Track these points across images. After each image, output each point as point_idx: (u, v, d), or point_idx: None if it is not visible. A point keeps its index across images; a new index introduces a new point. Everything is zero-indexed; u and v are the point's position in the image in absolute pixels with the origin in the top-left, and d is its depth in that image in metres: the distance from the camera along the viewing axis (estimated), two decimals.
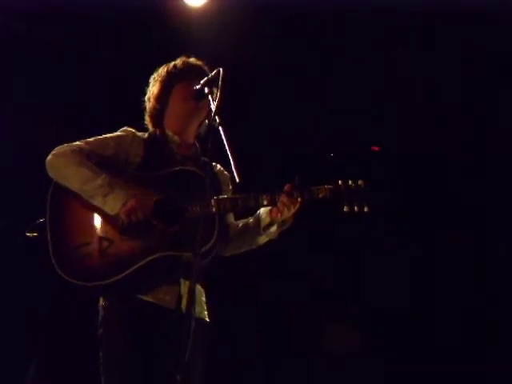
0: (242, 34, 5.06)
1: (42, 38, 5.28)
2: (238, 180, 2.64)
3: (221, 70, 2.84)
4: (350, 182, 3.04)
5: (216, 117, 2.73)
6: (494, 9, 4.62)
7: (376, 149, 3.22)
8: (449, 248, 5.59)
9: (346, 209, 3.02)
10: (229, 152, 2.68)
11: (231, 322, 5.14)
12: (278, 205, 2.96)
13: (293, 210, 2.98)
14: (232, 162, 2.65)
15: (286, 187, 2.98)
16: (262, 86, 5.41)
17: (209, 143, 2.67)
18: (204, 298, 3.11)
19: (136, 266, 2.86)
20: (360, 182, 3.04)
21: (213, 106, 2.83)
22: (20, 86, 5.26)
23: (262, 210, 3.10)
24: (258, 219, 3.11)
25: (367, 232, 5.42)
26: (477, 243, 5.54)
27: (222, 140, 2.69)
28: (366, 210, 3.00)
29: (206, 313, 3.09)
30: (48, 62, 5.31)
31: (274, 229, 3.08)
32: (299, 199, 2.98)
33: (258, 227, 3.11)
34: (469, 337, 5.37)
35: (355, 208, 3.01)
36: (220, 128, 2.71)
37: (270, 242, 3.19)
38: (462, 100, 5.39)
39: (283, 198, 2.95)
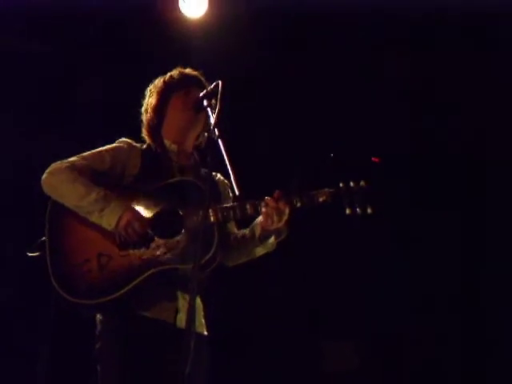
0: (241, 46, 5.05)
1: (44, 52, 5.27)
2: (237, 193, 2.62)
3: (220, 82, 2.83)
4: (351, 183, 2.96)
5: (215, 129, 2.71)
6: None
7: (376, 160, 3.17)
8: (452, 252, 5.55)
9: (348, 211, 2.93)
10: (228, 164, 2.67)
11: (228, 335, 5.11)
12: (267, 209, 2.89)
13: (283, 218, 2.92)
14: (231, 175, 2.63)
15: (276, 193, 2.91)
16: (261, 96, 5.40)
17: (208, 156, 2.65)
18: (202, 312, 3.09)
19: (135, 282, 2.84)
20: (362, 182, 2.95)
21: (212, 119, 2.81)
22: (18, 99, 5.26)
23: (258, 220, 3.05)
24: (253, 229, 3.07)
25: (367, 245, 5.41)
26: (478, 246, 5.50)
27: (222, 152, 2.68)
28: (369, 211, 2.92)
29: (203, 327, 3.07)
30: (47, 75, 5.31)
31: (271, 240, 3.03)
32: (299, 204, 2.93)
33: (253, 237, 3.07)
34: (468, 355, 5.32)
35: (357, 210, 2.92)
36: (219, 140, 2.69)
37: (267, 253, 3.14)
38: (461, 100, 5.37)
39: (269, 201, 2.89)
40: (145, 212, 2.94)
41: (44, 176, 3.02)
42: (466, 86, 5.22)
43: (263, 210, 2.90)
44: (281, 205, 2.89)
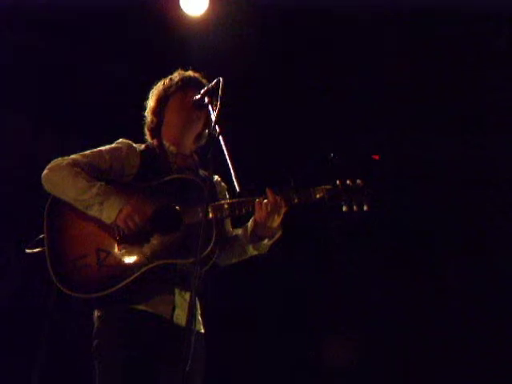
0: (241, 43, 5.06)
1: (46, 49, 5.28)
2: (238, 189, 2.63)
3: (221, 79, 2.85)
4: (348, 181, 2.99)
5: (216, 126, 2.73)
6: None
7: (377, 157, 3.18)
8: (453, 255, 5.57)
9: (344, 209, 2.96)
10: (229, 161, 2.69)
11: (226, 333, 5.12)
12: (262, 203, 2.91)
13: (278, 215, 2.93)
14: (232, 171, 2.65)
15: (268, 190, 2.93)
16: (262, 94, 5.41)
17: (209, 152, 2.67)
18: (199, 310, 3.10)
19: (133, 277, 2.86)
20: (359, 181, 3.00)
21: (213, 116, 2.83)
22: (20, 95, 5.27)
23: (251, 219, 3.06)
24: (246, 227, 3.09)
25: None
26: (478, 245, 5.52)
27: (222, 149, 2.69)
28: (365, 209, 2.95)
29: (201, 325, 3.09)
30: (51, 75, 5.32)
31: (264, 242, 3.05)
32: (296, 201, 2.95)
33: (246, 235, 3.09)
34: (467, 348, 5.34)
35: (354, 208, 2.96)
36: (220, 137, 2.71)
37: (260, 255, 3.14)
38: (461, 100, 5.38)
39: (268, 195, 2.90)
40: (144, 208, 2.95)
41: (44, 172, 3.04)
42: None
43: (260, 202, 2.91)
44: (278, 198, 2.91)
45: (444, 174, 5.54)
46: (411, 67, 5.24)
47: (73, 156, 3.07)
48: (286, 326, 5.59)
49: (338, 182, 2.99)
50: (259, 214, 2.93)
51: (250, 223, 3.06)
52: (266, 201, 2.92)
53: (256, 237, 3.04)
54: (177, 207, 2.96)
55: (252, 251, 3.12)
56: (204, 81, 3.25)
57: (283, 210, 2.94)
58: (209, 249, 2.87)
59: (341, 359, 5.45)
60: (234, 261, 3.21)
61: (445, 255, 5.58)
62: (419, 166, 5.56)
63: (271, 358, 5.48)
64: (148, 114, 3.31)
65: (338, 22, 5.03)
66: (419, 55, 5.23)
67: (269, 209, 2.90)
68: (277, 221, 2.95)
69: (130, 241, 2.91)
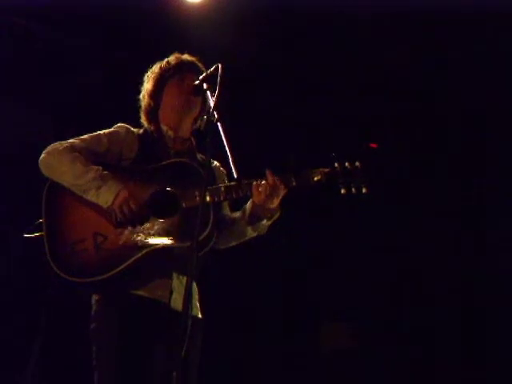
0: (241, 30, 5.06)
1: (44, 37, 5.27)
2: (235, 175, 2.64)
3: (219, 65, 2.84)
4: (346, 163, 2.98)
5: (215, 112, 2.73)
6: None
7: (374, 146, 3.19)
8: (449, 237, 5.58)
9: (343, 191, 2.95)
10: (227, 147, 2.70)
11: (224, 319, 5.14)
12: (261, 184, 2.90)
13: (277, 197, 2.93)
14: (230, 158, 2.66)
15: (268, 171, 2.93)
16: (261, 82, 5.41)
17: (207, 138, 2.67)
18: (197, 296, 3.11)
19: (130, 261, 2.86)
20: (357, 163, 2.98)
21: (211, 102, 2.83)
22: (18, 83, 5.27)
23: (249, 201, 3.06)
24: (245, 209, 3.10)
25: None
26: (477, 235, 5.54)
27: (221, 135, 2.70)
28: (364, 191, 2.94)
29: (198, 310, 3.09)
30: (47, 61, 5.31)
31: (263, 222, 3.06)
32: (294, 183, 2.95)
33: (244, 217, 3.09)
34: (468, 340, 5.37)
35: (353, 190, 2.94)
36: (218, 123, 2.72)
37: (258, 236, 3.15)
38: (460, 99, 5.39)
39: (268, 177, 2.90)
40: (141, 192, 2.96)
41: (42, 156, 3.04)
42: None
43: (259, 184, 2.91)
44: (277, 180, 2.91)
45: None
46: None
47: (70, 140, 3.07)
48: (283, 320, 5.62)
49: (336, 164, 2.98)
50: (258, 197, 2.93)
51: (248, 205, 3.06)
52: (264, 182, 2.92)
53: (254, 218, 3.04)
54: (174, 191, 2.96)
55: (251, 233, 3.12)
56: (200, 65, 3.24)
57: (282, 192, 2.94)
58: (206, 232, 2.86)
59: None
60: (233, 243, 3.21)
61: None
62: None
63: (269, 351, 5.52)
64: (144, 97, 3.29)
65: (339, 14, 5.02)
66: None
67: (267, 191, 2.91)
68: (275, 202, 2.96)
69: (127, 225, 2.92)
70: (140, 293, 2.92)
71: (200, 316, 3.10)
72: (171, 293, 2.94)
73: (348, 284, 5.56)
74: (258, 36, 5.12)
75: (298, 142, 5.55)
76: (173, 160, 3.10)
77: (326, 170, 2.98)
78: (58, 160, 2.99)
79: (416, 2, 4.65)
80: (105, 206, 2.92)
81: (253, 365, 5.48)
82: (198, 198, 2.87)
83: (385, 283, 5.54)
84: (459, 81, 5.29)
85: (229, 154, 2.68)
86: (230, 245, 3.23)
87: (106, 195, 2.91)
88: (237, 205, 3.17)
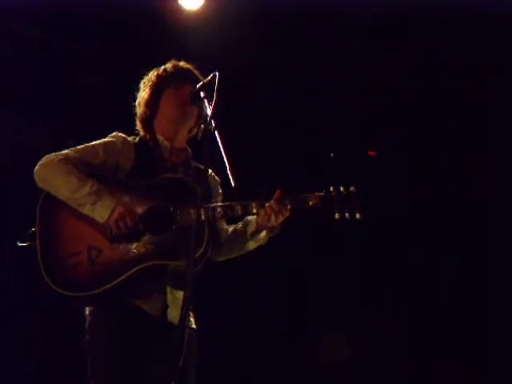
0: (238, 37, 5.04)
1: (40, 40, 5.25)
2: (233, 184, 2.61)
3: (217, 74, 2.81)
4: (341, 188, 2.99)
5: (212, 121, 2.71)
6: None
7: (373, 153, 3.18)
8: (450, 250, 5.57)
9: (337, 216, 2.97)
10: (224, 156, 2.67)
11: (222, 330, 5.12)
12: (266, 209, 2.92)
13: (281, 218, 2.95)
14: (227, 166, 2.63)
15: (277, 193, 2.95)
16: (259, 88, 5.40)
17: (204, 147, 2.65)
18: (191, 306, 3.08)
19: (124, 276, 2.84)
20: (352, 188, 2.99)
21: (209, 110, 2.80)
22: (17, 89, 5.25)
23: (252, 217, 3.06)
24: (246, 225, 3.09)
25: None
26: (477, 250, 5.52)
27: (218, 144, 2.67)
28: (358, 217, 2.96)
29: (192, 320, 3.07)
30: (46, 65, 5.29)
31: (263, 235, 3.05)
32: (289, 207, 2.94)
33: (246, 233, 3.09)
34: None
35: (346, 215, 2.96)
36: (216, 132, 2.69)
37: (260, 247, 3.15)
38: (460, 101, 5.38)
39: (272, 204, 2.92)
40: (136, 207, 2.93)
41: (37, 168, 3.00)
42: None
43: (272, 205, 2.92)
44: (282, 207, 2.92)
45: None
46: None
47: (65, 151, 3.03)
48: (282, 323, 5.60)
49: (331, 188, 2.99)
50: (262, 219, 2.95)
51: (251, 223, 3.06)
52: (268, 204, 2.93)
53: (257, 234, 3.06)
54: (170, 208, 2.93)
55: (253, 245, 3.12)
56: (196, 72, 3.22)
57: (287, 214, 2.95)
58: (201, 251, 2.85)
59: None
60: (234, 255, 3.21)
61: None
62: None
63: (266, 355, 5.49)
64: (140, 105, 3.25)
65: (339, 16, 5.01)
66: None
67: (273, 217, 2.92)
68: (279, 220, 2.97)
69: (121, 240, 2.89)
70: (134, 306, 2.89)
71: (194, 326, 3.07)
72: (166, 307, 2.93)
73: (348, 295, 5.55)
74: (257, 36, 5.10)
75: (297, 142, 5.55)
76: (169, 176, 3.07)
77: (321, 194, 2.99)
78: (52, 173, 2.96)
79: (416, 2, 4.63)
80: (101, 220, 2.89)
81: (251, 375, 5.45)
82: (193, 216, 2.85)
83: (384, 292, 5.51)
84: (459, 81, 5.27)
85: (226, 163, 2.65)
86: (231, 256, 3.22)
87: (101, 211, 2.88)
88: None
